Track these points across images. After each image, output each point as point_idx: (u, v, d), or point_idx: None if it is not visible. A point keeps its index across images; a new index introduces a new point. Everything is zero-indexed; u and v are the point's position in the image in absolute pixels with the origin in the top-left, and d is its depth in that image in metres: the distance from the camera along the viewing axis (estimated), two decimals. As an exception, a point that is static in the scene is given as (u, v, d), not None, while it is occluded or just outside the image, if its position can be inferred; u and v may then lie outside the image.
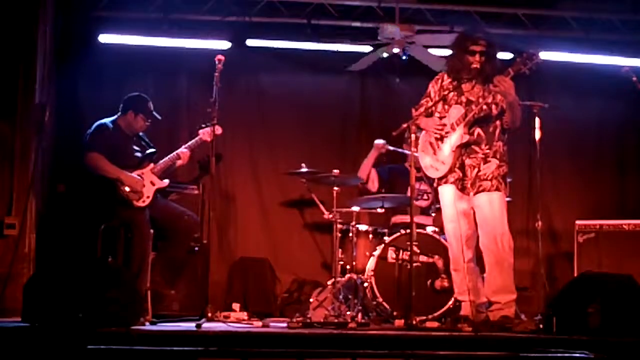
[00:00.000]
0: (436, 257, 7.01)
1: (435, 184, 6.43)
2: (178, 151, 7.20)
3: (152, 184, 7.02)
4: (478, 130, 6.21)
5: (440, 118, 6.32)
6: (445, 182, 6.28)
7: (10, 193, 7.08)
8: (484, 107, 6.16)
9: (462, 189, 6.20)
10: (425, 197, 7.68)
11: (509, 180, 6.30)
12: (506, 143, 6.28)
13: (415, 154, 6.19)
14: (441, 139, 6.27)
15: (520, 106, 6.24)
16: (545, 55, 5.99)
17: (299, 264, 8.58)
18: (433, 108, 6.35)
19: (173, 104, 8.55)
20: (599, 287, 5.48)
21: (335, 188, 7.21)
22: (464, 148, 6.19)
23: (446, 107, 6.32)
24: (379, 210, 7.56)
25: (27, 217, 7.06)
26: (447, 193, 6.28)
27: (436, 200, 7.37)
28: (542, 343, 5.26)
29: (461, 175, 6.20)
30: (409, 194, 7.58)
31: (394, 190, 7.68)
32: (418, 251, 6.80)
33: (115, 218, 6.89)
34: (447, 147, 6.23)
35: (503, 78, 5.98)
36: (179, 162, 7.22)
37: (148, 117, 7.12)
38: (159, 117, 7.20)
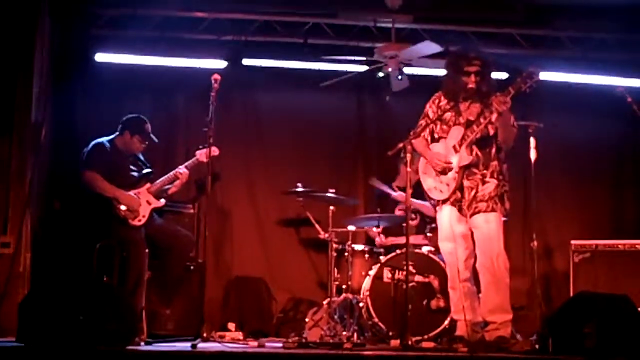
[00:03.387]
0: (432, 276, 7.01)
1: (437, 205, 6.41)
2: (176, 171, 7.20)
3: (149, 203, 7.02)
4: (476, 150, 6.21)
5: (439, 139, 6.32)
6: (444, 203, 6.28)
7: (5, 211, 7.06)
8: (483, 127, 6.15)
9: (460, 210, 6.19)
10: (412, 216, 7.68)
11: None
12: (504, 162, 6.29)
13: (408, 170, 6.16)
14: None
15: (515, 126, 6.25)
16: (541, 74, 5.98)
17: (295, 283, 8.56)
18: (433, 126, 6.35)
19: (169, 123, 8.57)
20: (595, 307, 5.47)
21: (331, 207, 7.24)
22: (464, 169, 6.20)
23: (444, 127, 6.32)
24: (374, 229, 7.57)
25: (23, 236, 7.04)
26: (445, 214, 6.27)
27: (423, 219, 7.45)
28: (538, 363, 5.26)
29: (459, 196, 6.20)
30: (396, 213, 7.68)
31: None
32: (414, 271, 6.81)
33: (111, 237, 6.88)
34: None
35: (505, 99, 5.96)
36: (178, 182, 7.22)
37: (145, 138, 7.13)
38: (156, 140, 7.20)
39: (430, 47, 7.68)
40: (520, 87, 5.95)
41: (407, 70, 8.13)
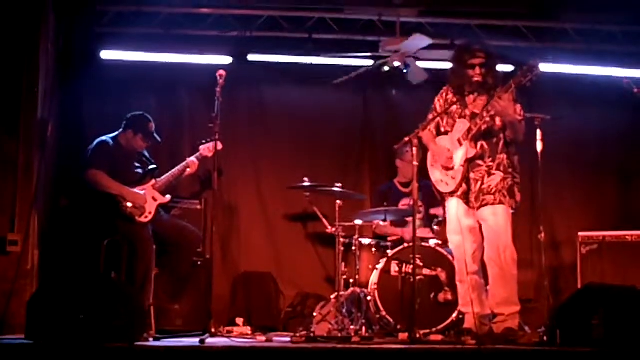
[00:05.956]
0: (439, 269, 7.01)
1: (444, 198, 6.42)
2: (187, 161, 7.24)
3: (154, 199, 7.04)
4: (482, 142, 6.22)
5: (446, 133, 6.34)
6: (451, 196, 6.29)
7: (13, 209, 7.07)
8: (488, 119, 6.16)
9: (467, 203, 6.20)
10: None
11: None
12: (515, 154, 6.29)
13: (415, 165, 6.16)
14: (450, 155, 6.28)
15: (523, 120, 6.25)
16: (546, 66, 5.99)
17: (302, 278, 8.56)
18: (439, 121, 6.36)
19: (175, 119, 8.56)
20: (603, 299, 5.47)
21: (338, 201, 7.23)
22: (470, 162, 6.19)
23: (450, 120, 6.33)
24: (382, 223, 7.56)
25: (30, 234, 7.05)
26: (453, 206, 6.29)
27: (427, 213, 7.45)
28: (546, 355, 5.26)
29: (466, 189, 6.20)
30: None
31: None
32: (421, 264, 6.81)
33: (118, 233, 6.91)
34: (457, 162, 6.23)
35: (500, 96, 5.98)
36: (189, 171, 7.28)
37: (147, 138, 7.15)
38: (159, 140, 7.23)
39: (421, 40, 7.66)
40: (520, 81, 5.97)
41: (421, 64, 8.08)
